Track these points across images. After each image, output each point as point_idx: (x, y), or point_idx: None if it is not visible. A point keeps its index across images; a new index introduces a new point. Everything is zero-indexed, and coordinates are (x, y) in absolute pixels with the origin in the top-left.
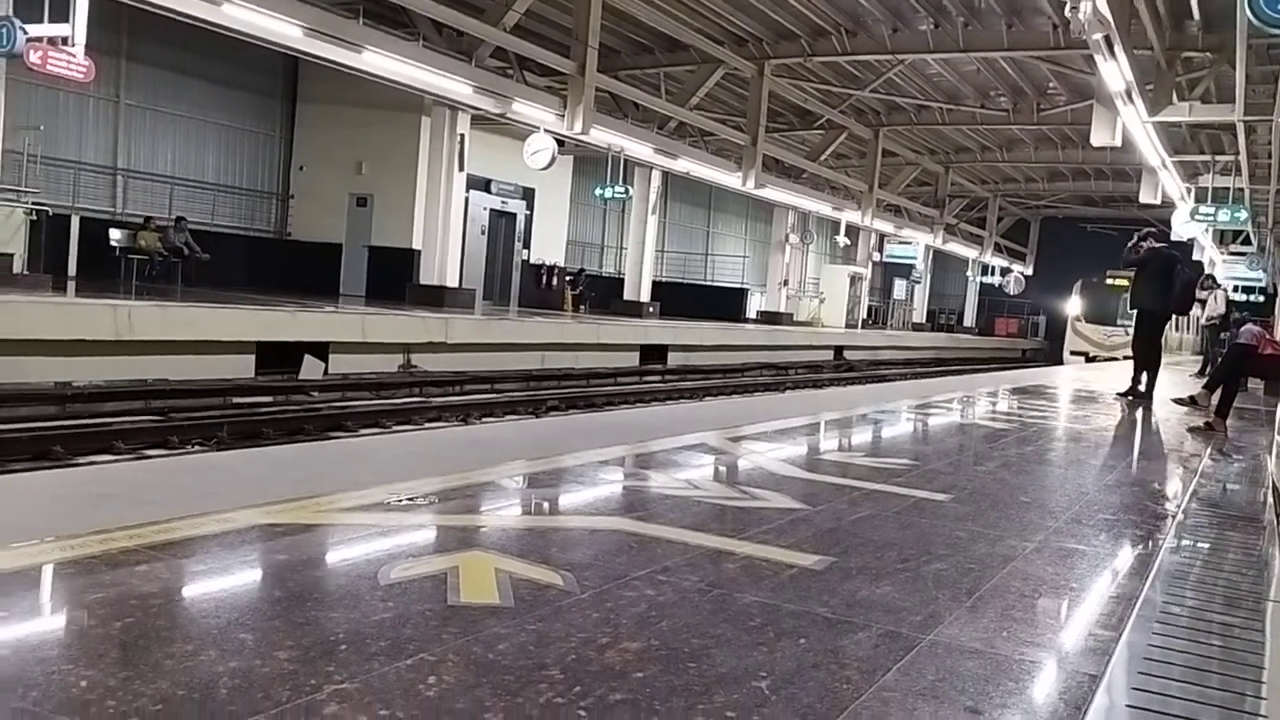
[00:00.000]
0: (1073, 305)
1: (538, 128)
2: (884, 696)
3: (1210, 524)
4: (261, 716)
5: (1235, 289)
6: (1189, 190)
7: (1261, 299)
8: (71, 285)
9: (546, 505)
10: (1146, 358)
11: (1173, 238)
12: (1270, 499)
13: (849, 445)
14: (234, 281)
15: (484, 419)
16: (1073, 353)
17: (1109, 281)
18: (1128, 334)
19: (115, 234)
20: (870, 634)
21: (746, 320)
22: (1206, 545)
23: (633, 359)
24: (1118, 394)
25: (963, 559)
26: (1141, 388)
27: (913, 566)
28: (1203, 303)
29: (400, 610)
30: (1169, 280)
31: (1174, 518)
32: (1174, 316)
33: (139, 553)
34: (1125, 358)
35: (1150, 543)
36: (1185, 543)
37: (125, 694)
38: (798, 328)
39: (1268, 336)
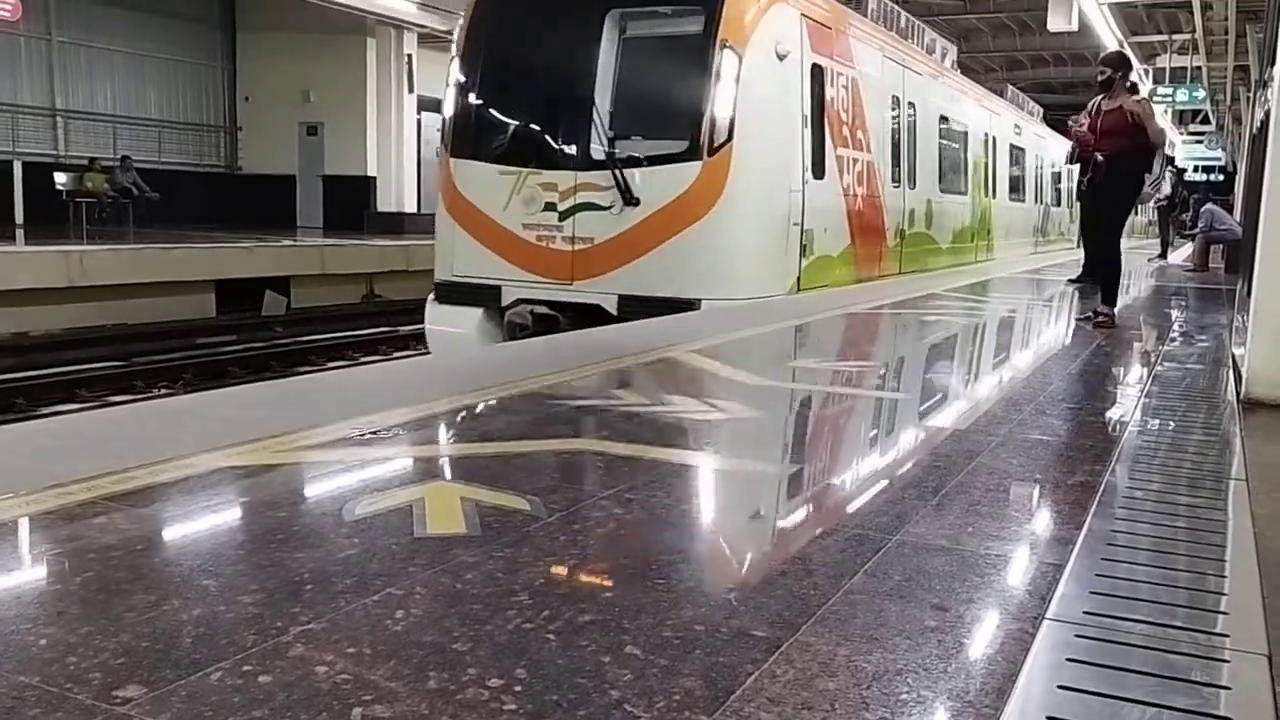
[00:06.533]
0: (447, 104)
1: None
2: (851, 600)
3: (1173, 406)
4: (226, 663)
5: (1195, 169)
6: (1147, 71)
7: (1221, 178)
8: (20, 233)
9: (513, 430)
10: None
11: None
12: (1231, 378)
13: (815, 351)
14: (187, 219)
15: None
16: (442, 291)
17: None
18: (618, 211)
19: (60, 177)
20: (837, 538)
21: None
22: (1170, 427)
23: None
24: (1069, 280)
25: (928, 456)
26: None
27: (878, 467)
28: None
29: (366, 546)
30: None
31: (1137, 401)
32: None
33: (96, 504)
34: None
35: (1114, 428)
36: (1149, 426)
37: (86, 650)
38: None
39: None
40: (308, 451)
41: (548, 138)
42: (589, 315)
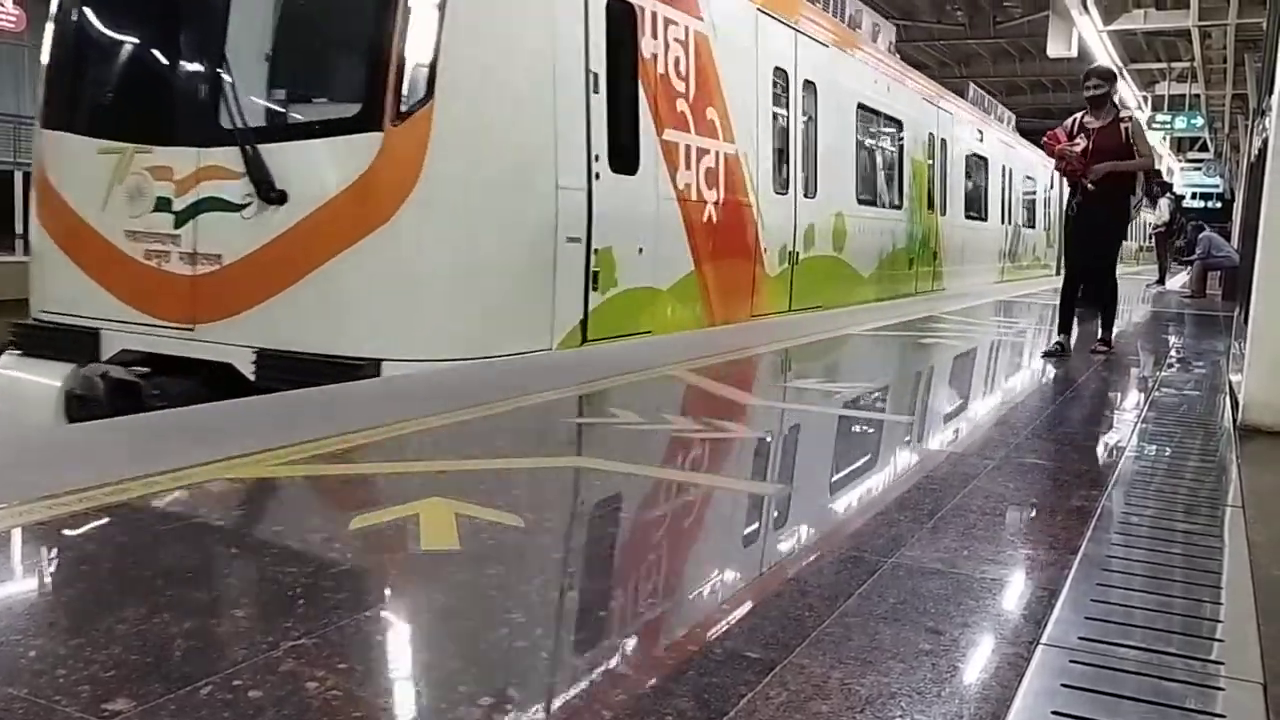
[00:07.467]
0: (44, 50)
1: None
2: (846, 622)
3: (1169, 432)
4: (217, 677)
5: (1193, 195)
6: (1146, 99)
7: (1219, 205)
8: (19, 243)
9: (509, 447)
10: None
11: None
12: (1228, 405)
13: (809, 372)
14: None
15: None
16: (23, 337)
17: None
18: (253, 213)
19: None
20: (832, 560)
21: None
22: (1166, 453)
23: None
24: (1044, 353)
25: (924, 479)
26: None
27: (874, 489)
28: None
29: (360, 561)
30: None
31: (1134, 427)
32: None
33: (90, 515)
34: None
35: (1110, 453)
36: (1145, 452)
37: (76, 662)
38: None
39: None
40: (303, 466)
41: (160, 96)
42: (220, 379)
